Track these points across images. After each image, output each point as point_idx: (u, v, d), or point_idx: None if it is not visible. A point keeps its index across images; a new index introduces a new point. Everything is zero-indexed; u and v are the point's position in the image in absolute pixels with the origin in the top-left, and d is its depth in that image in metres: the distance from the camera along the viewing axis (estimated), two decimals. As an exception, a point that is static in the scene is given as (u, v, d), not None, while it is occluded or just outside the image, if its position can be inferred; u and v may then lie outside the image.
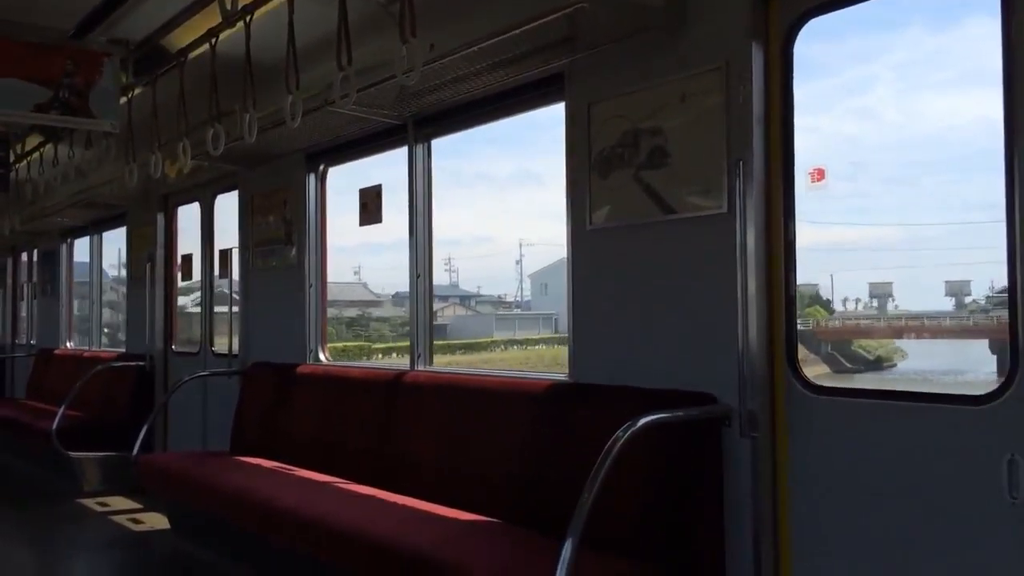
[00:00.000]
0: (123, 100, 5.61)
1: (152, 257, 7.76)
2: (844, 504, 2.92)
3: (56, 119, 5.24)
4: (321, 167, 5.85)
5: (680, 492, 3.21)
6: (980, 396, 2.59)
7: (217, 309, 7.79)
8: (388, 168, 5.59)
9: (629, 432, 2.96)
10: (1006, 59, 2.61)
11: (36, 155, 7.43)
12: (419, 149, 4.97)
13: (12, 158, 7.89)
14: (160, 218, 7.79)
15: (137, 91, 5.64)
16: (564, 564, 2.75)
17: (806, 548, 3.02)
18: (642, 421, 3.01)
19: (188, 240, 7.88)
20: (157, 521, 6.14)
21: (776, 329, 3.12)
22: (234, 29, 4.59)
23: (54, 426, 7.07)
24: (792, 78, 3.15)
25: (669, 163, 3.44)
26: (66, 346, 10.15)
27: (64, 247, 10.13)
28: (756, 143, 3.16)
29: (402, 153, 5.10)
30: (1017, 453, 2.49)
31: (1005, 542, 2.52)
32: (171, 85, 5.26)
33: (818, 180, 3.23)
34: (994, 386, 2.56)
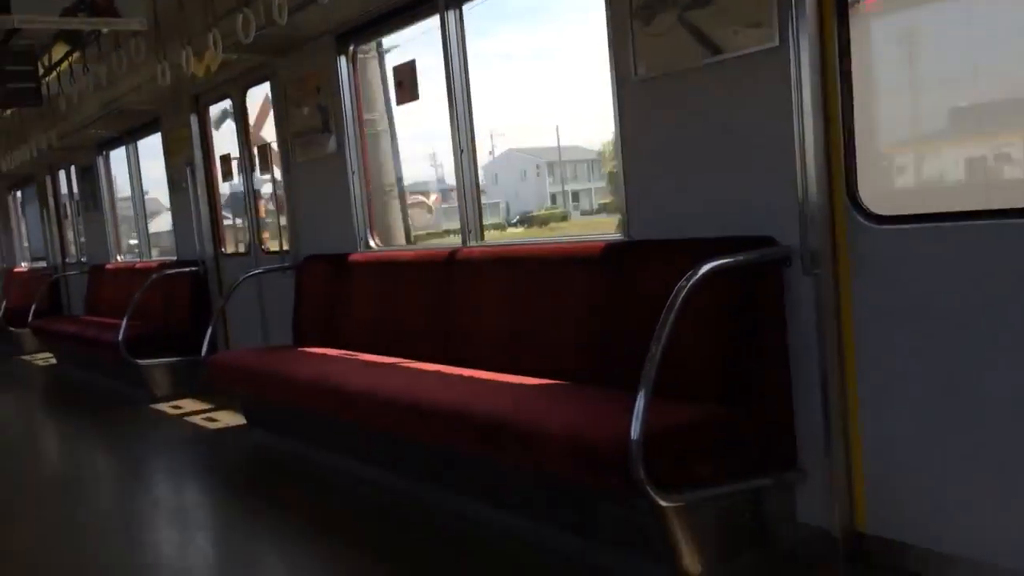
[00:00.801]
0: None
1: (191, 161, 7.77)
2: (911, 332, 2.90)
3: (84, 21, 5.18)
4: (351, 48, 5.74)
5: (745, 336, 3.22)
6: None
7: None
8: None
9: (692, 280, 2.96)
10: None
11: (65, 65, 7.39)
12: (451, 16, 4.83)
13: (41, 71, 7.85)
14: (193, 120, 7.75)
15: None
16: (639, 414, 2.80)
17: (874, 381, 3.03)
18: (704, 268, 3.00)
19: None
20: (232, 419, 6.38)
21: (835, 163, 3.04)
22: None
23: (120, 336, 7.28)
24: None
25: (715, 0, 3.30)
26: (116, 260, 10.34)
27: (101, 160, 10.18)
28: None
29: (431, 27, 4.97)
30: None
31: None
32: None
33: (871, 2, 3.08)
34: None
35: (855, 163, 3.03)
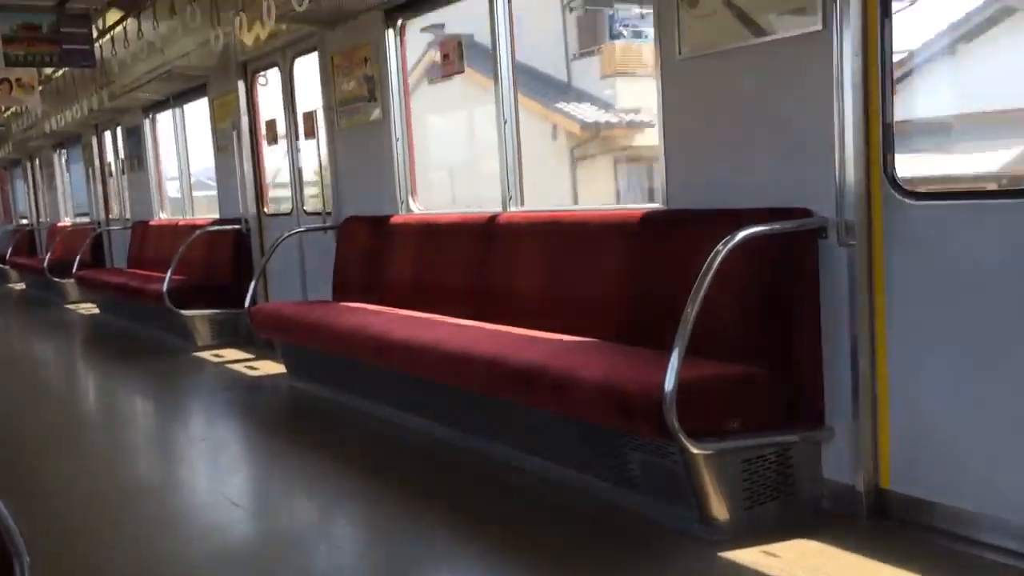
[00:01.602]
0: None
1: (237, 125, 8.01)
2: (941, 301, 3.05)
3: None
4: (400, 21, 5.93)
5: (779, 301, 3.39)
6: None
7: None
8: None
9: (729, 245, 3.14)
10: None
11: (119, 30, 7.63)
12: (500, -5, 5.01)
13: (95, 34, 8.11)
14: (241, 85, 7.98)
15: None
16: (673, 365, 3.00)
17: (903, 349, 3.19)
18: (740, 234, 3.18)
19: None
20: (272, 367, 6.65)
21: (873, 140, 3.21)
22: None
23: (164, 287, 7.57)
24: None
25: (762, -16, 3.46)
26: (159, 217, 10.63)
27: (147, 122, 10.45)
28: None
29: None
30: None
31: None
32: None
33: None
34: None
35: (892, 141, 3.19)
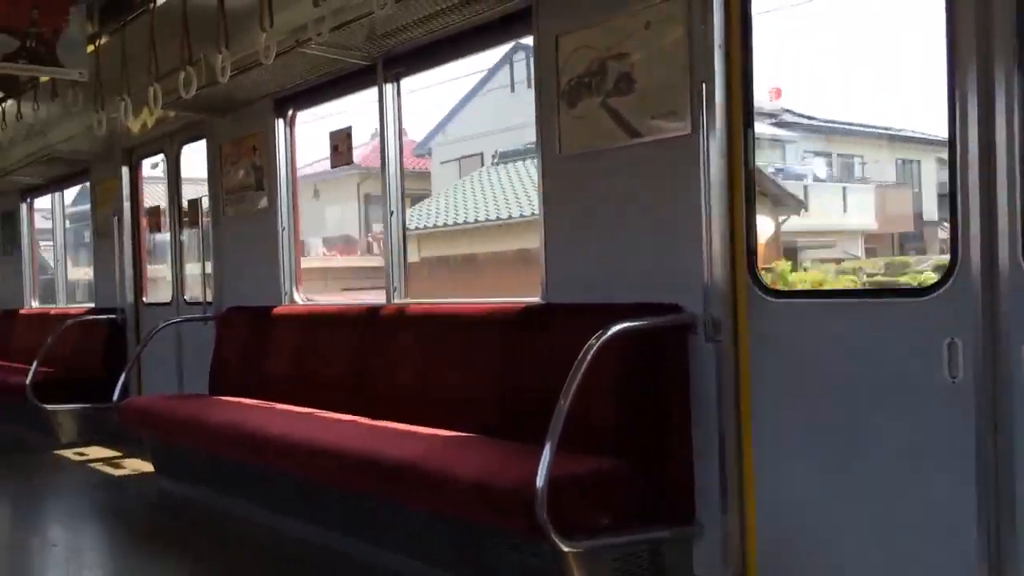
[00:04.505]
0: (90, 48, 5.62)
1: (119, 211, 7.78)
2: (801, 398, 3.15)
3: (25, 68, 5.25)
4: (290, 112, 5.93)
5: (651, 396, 3.43)
6: (923, 288, 2.84)
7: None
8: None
9: (601, 340, 3.18)
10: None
11: (-4, 110, 7.36)
12: (389, 89, 5.08)
13: (-29, 114, 7.80)
14: (125, 171, 7.79)
15: (104, 39, 5.65)
16: (545, 462, 2.96)
17: (768, 445, 3.26)
18: (613, 329, 3.23)
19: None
20: (139, 466, 6.29)
21: (738, 240, 3.33)
22: (205, -29, 4.65)
23: (28, 380, 7.13)
24: (750, 3, 3.33)
25: (635, 89, 3.61)
26: (31, 306, 10.11)
27: (24, 206, 10.05)
28: (717, 67, 3.34)
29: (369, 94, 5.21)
30: (955, 336, 2.74)
31: (947, 417, 2.77)
32: (139, 32, 5.30)
33: (776, 98, 3.43)
34: (936, 279, 2.80)
35: (756, 243, 3.32)
